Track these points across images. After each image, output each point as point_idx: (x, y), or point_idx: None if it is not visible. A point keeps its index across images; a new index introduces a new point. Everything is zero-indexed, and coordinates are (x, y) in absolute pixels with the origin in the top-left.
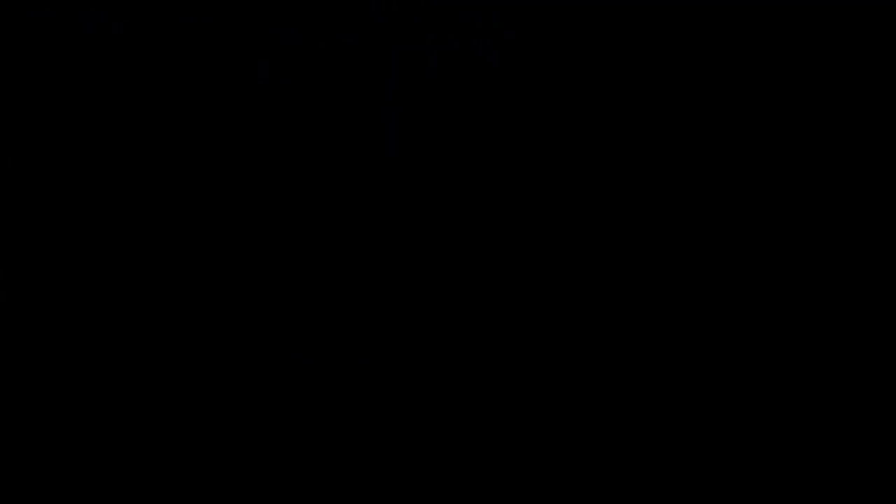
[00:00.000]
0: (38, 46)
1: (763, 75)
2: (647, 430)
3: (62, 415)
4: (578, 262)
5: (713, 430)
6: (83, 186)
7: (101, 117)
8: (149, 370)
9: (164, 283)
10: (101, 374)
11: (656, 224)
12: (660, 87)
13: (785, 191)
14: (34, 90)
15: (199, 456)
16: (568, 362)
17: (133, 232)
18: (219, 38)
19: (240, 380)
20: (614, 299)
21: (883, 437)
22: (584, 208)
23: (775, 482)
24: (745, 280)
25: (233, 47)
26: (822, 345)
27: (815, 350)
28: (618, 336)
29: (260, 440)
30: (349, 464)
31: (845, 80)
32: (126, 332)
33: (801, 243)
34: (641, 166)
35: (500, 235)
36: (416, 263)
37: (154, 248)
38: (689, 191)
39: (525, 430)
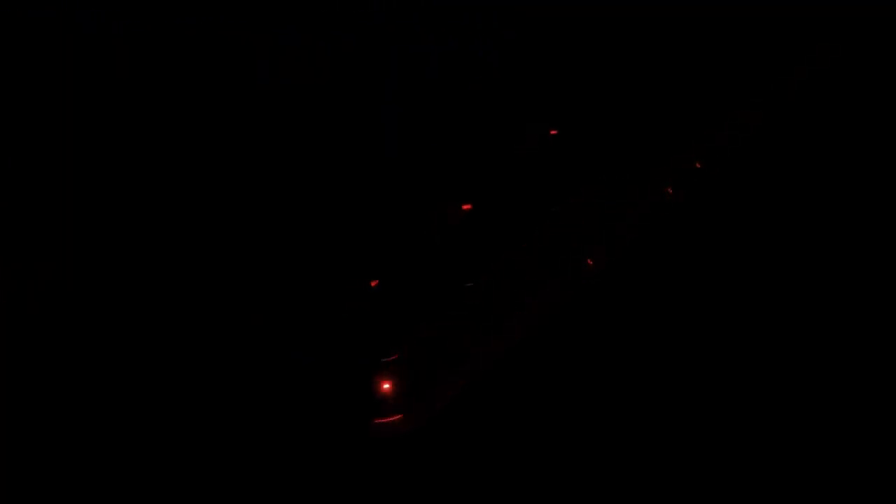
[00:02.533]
0: (38, 46)
1: (751, 74)
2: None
3: (62, 414)
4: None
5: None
6: (83, 186)
7: (101, 117)
8: (148, 370)
9: (164, 283)
10: (100, 374)
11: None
12: (659, 83)
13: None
14: (34, 90)
15: (198, 454)
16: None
17: (133, 232)
18: (219, 38)
19: (240, 380)
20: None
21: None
22: (584, 203)
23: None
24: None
25: (233, 47)
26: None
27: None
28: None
29: (259, 439)
30: (348, 462)
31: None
32: (126, 332)
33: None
34: (641, 162)
35: (501, 234)
36: (416, 261)
37: (154, 247)
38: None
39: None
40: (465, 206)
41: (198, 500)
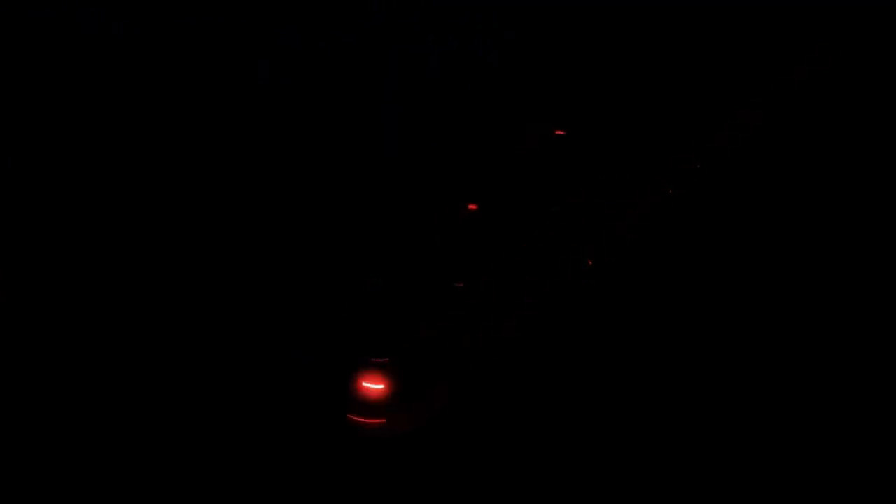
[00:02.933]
0: (38, 46)
1: (749, 73)
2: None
3: (62, 414)
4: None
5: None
6: (83, 186)
7: (101, 117)
8: (148, 370)
9: (164, 283)
10: (100, 374)
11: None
12: (659, 84)
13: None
14: (34, 90)
15: (198, 453)
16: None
17: (133, 232)
18: (219, 38)
19: (240, 380)
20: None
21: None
22: (584, 203)
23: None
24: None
25: (233, 47)
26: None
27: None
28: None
29: (259, 438)
30: (347, 461)
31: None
32: (126, 332)
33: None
34: (641, 162)
35: (501, 234)
36: (416, 261)
37: (154, 247)
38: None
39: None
40: (471, 206)
41: (198, 499)
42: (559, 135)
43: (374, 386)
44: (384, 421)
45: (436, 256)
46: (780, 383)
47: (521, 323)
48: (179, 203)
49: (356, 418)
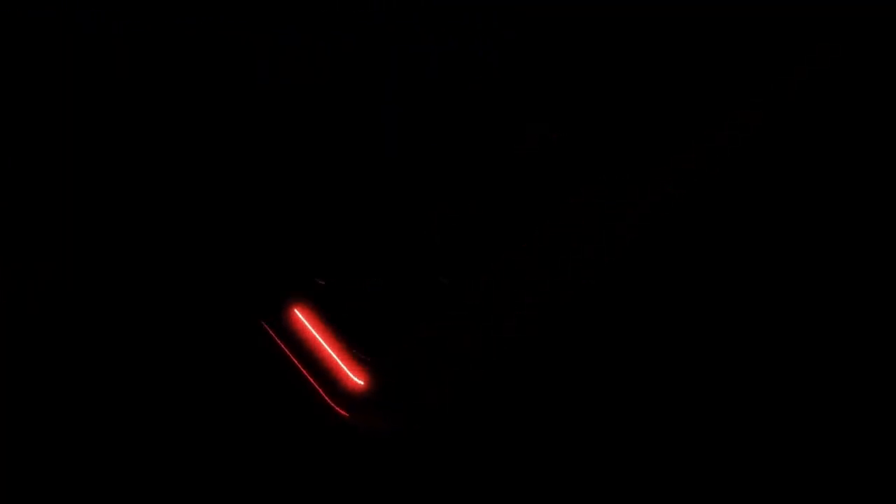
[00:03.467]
0: (38, 46)
1: (748, 73)
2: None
3: (62, 414)
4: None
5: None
6: (83, 186)
7: (101, 117)
8: (148, 370)
9: (164, 283)
10: (100, 374)
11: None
12: (659, 84)
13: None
14: (34, 90)
15: (197, 454)
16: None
17: (133, 232)
18: (219, 38)
19: (239, 379)
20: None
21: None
22: (584, 203)
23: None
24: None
25: (233, 47)
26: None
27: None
28: None
29: (258, 439)
30: (347, 462)
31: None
32: (125, 332)
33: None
34: (641, 162)
35: (501, 234)
36: (416, 261)
37: (154, 247)
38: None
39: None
40: (471, 206)
41: (196, 498)
42: (560, 134)
43: (356, 380)
44: (367, 417)
45: (436, 256)
46: (782, 383)
47: (521, 323)
48: (180, 203)
49: (344, 414)
